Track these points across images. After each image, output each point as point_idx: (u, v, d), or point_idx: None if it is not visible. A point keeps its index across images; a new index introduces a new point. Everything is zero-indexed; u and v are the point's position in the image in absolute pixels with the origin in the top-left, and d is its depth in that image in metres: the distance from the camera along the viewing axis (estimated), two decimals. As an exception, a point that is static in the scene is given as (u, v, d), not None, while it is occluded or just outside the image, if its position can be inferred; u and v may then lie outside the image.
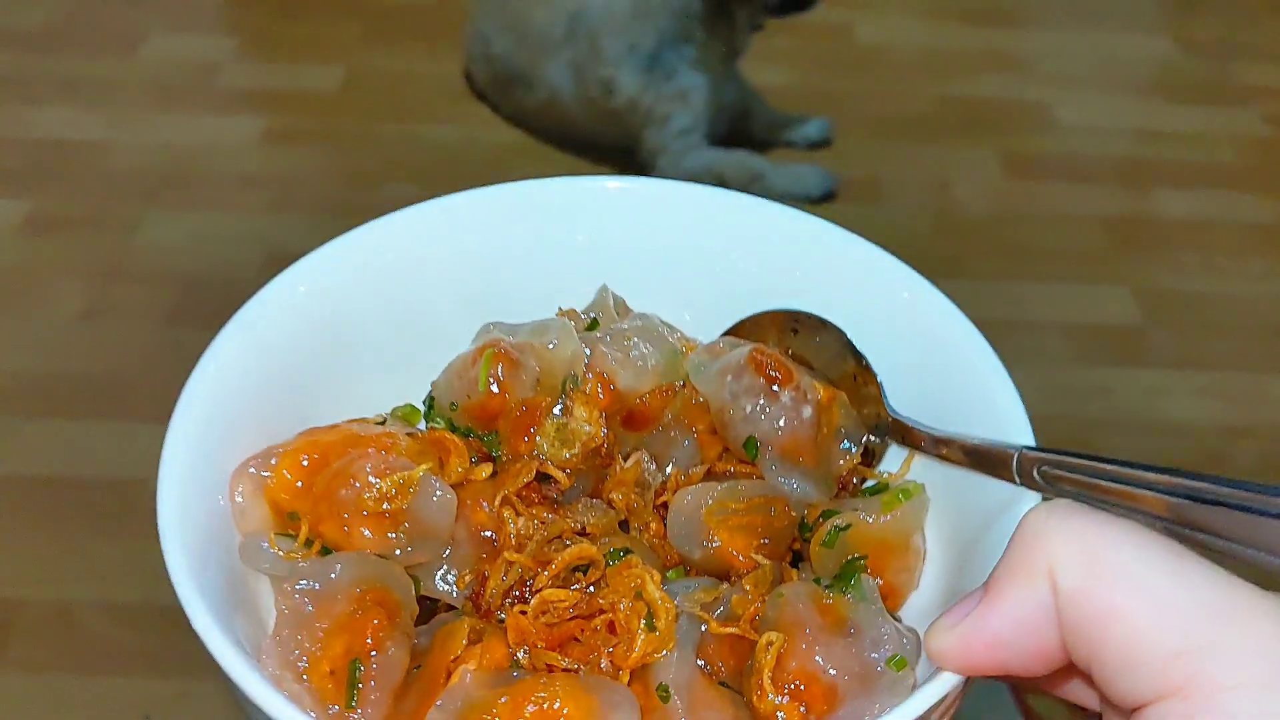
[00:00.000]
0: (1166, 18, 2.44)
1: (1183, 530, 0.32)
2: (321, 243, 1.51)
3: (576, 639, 0.37)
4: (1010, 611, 0.30)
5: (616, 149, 1.85)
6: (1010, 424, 0.38)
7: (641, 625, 0.36)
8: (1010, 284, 1.67)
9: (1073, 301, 1.67)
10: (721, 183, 1.61)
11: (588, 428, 0.42)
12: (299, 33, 2.19)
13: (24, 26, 2.16)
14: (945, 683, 0.32)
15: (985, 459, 0.38)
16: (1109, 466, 0.34)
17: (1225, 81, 2.19)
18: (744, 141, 1.88)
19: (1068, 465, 0.35)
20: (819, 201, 1.78)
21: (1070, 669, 0.31)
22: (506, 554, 0.39)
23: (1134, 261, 1.77)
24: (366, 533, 0.38)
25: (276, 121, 1.96)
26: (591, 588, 0.38)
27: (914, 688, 0.34)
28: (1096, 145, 2.01)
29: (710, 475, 0.43)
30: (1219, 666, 0.26)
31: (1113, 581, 0.28)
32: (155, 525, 1.27)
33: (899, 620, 0.39)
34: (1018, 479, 0.36)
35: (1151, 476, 0.33)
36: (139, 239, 1.70)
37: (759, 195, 0.48)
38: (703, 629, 0.37)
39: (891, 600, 0.39)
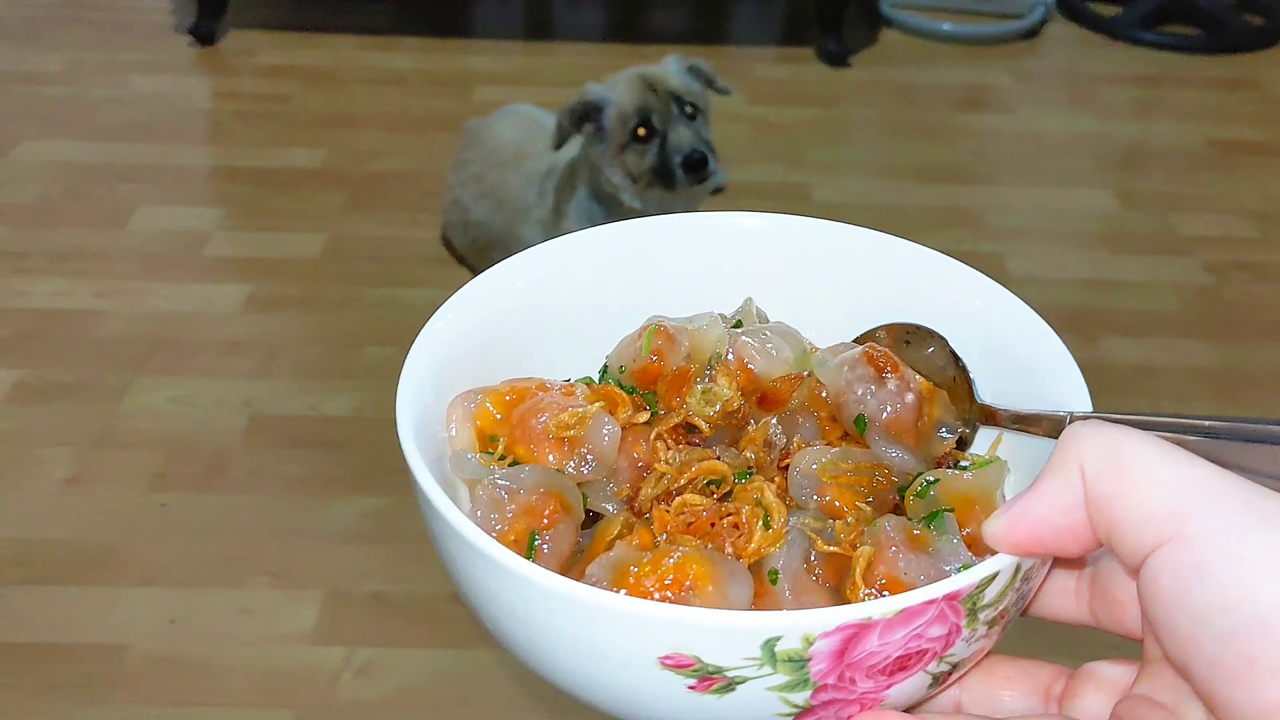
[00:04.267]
0: (1108, 174, 2.57)
1: None
2: (305, 406, 1.55)
3: (707, 533, 0.45)
4: (1049, 496, 0.37)
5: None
6: (1075, 399, 0.46)
7: (759, 525, 0.44)
8: (967, 432, 1.73)
9: (1028, 448, 1.73)
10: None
11: (727, 392, 0.50)
12: (283, 203, 2.29)
13: (20, 201, 2.25)
14: (998, 560, 0.38)
15: (1052, 425, 0.46)
16: (1142, 418, 0.42)
17: (1167, 233, 2.30)
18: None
19: (1107, 419, 0.42)
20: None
21: (1101, 573, 0.40)
22: (658, 467, 0.48)
23: (1086, 407, 1.84)
24: (550, 453, 0.47)
25: (260, 288, 2.03)
26: (722, 501, 0.46)
27: None
28: (1046, 295, 2.09)
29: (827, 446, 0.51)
30: (1196, 519, 0.33)
31: (1125, 468, 0.35)
32: (139, 690, 1.28)
33: None
34: None
35: (1172, 421, 0.41)
36: (125, 405, 1.76)
37: None
38: (810, 546, 0.44)
39: (975, 550, 0.45)
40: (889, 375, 0.49)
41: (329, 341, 1.93)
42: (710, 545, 0.44)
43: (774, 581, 0.43)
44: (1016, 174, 2.54)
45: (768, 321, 0.55)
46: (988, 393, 0.51)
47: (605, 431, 0.47)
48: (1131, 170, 2.62)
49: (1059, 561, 0.41)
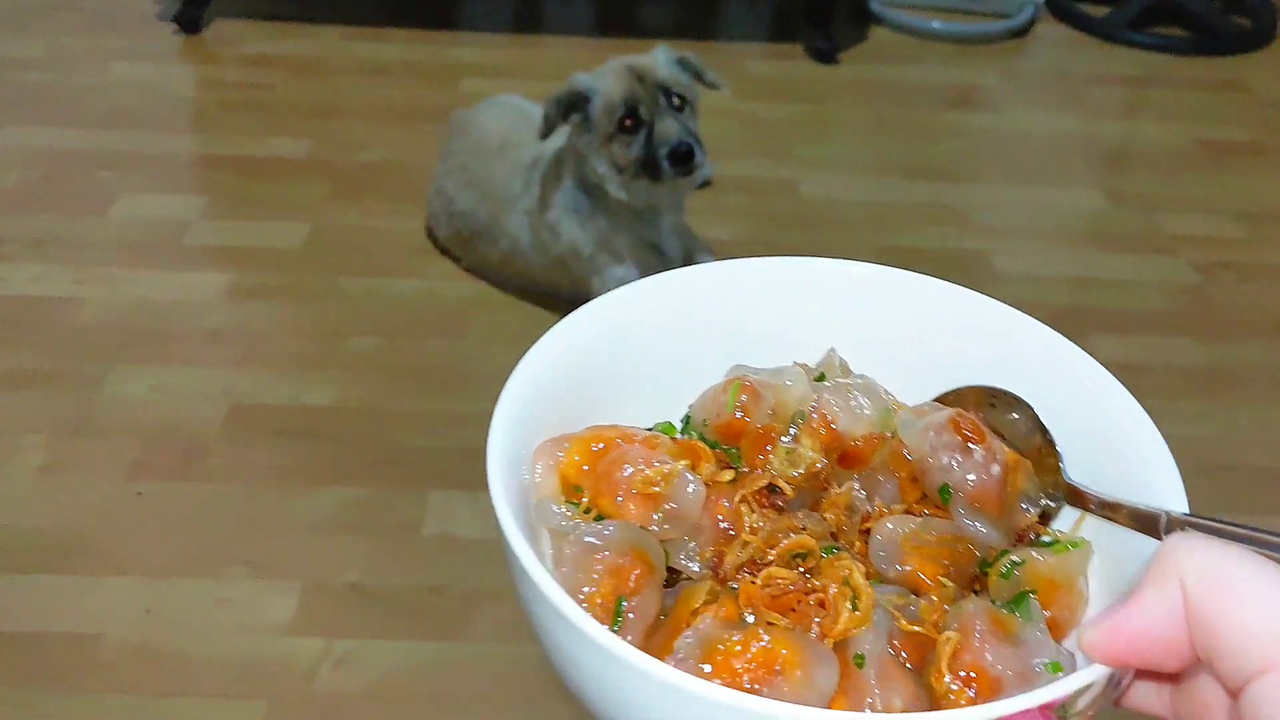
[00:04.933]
0: (1096, 173, 2.57)
1: None
2: (286, 396, 1.53)
3: (793, 609, 0.44)
4: (1148, 609, 0.36)
5: (575, 300, 1.91)
6: (1169, 495, 0.45)
7: (846, 605, 0.43)
8: (953, 428, 1.72)
9: (1014, 444, 1.73)
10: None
11: (811, 454, 0.50)
12: (266, 192, 2.27)
13: (-2, 187, 2.23)
14: (1093, 671, 0.37)
15: (1141, 520, 0.45)
16: (1240, 530, 0.41)
17: (1153, 232, 2.30)
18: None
19: (1205, 527, 0.42)
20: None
21: (1189, 674, 0.39)
22: (743, 535, 0.47)
23: (1072, 404, 1.83)
24: (634, 508, 0.47)
25: (242, 277, 2.01)
26: (808, 574, 0.46)
27: None
28: (1034, 293, 2.09)
29: (908, 513, 0.50)
30: None
31: (1228, 586, 0.34)
32: (113, 680, 1.25)
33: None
34: (1164, 536, 0.43)
35: (1273, 539, 0.40)
36: (103, 393, 1.73)
37: None
38: (893, 624, 0.44)
39: (1055, 633, 0.45)
40: (975, 445, 0.48)
41: (311, 332, 1.91)
42: (797, 626, 0.44)
43: (860, 665, 0.42)
44: (1004, 172, 2.53)
45: (850, 373, 0.55)
46: (1072, 467, 0.50)
47: (690, 490, 0.47)
48: (1119, 170, 2.62)
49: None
